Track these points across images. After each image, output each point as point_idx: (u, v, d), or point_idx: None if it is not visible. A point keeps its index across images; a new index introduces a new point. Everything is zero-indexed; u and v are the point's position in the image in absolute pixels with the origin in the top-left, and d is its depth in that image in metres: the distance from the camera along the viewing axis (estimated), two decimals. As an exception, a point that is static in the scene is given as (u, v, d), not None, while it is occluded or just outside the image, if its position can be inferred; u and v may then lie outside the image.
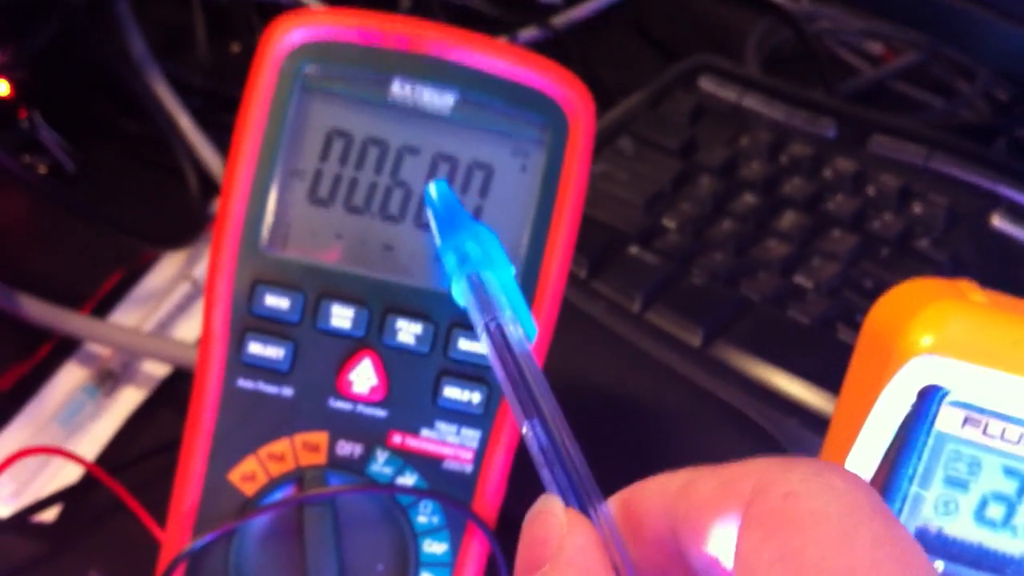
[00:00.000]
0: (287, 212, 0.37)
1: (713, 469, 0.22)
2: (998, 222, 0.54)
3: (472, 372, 0.37)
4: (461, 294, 0.32)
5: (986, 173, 0.56)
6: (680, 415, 0.50)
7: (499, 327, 0.29)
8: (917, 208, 0.55)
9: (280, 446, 0.37)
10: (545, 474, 0.25)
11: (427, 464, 0.37)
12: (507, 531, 0.39)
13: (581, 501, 0.24)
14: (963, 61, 0.71)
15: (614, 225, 0.55)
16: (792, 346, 0.50)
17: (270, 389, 0.37)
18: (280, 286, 0.37)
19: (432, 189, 0.35)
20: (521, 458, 0.38)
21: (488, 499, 0.38)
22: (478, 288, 0.31)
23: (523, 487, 0.39)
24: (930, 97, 0.71)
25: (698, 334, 0.51)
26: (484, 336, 0.30)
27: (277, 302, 0.37)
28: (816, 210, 0.56)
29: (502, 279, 0.32)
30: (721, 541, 0.22)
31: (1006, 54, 0.60)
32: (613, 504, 0.24)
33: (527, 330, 0.30)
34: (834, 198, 0.56)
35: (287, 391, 0.37)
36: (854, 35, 0.74)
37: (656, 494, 0.23)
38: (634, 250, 0.54)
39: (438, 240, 0.34)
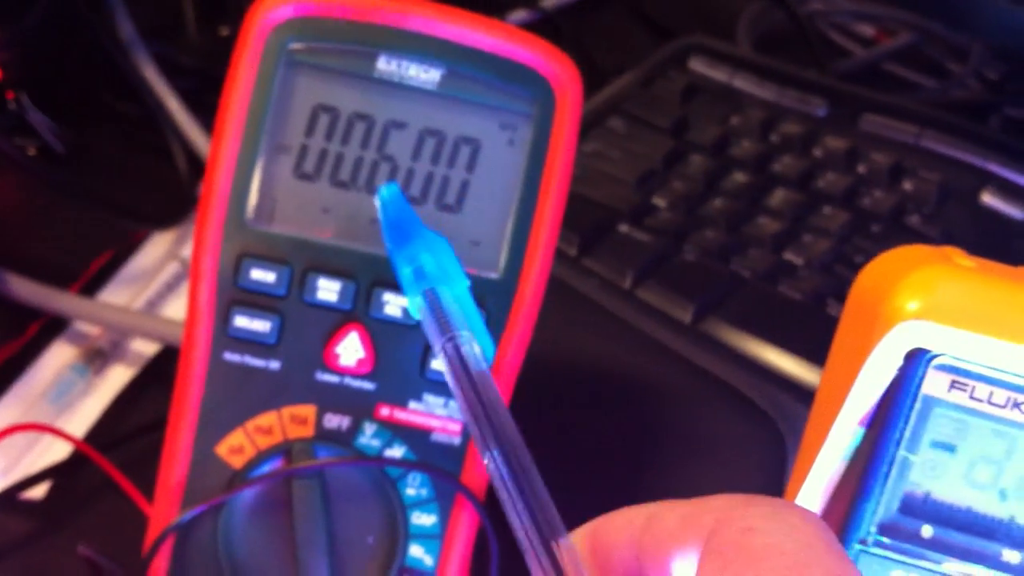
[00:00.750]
0: (273, 187, 0.37)
1: (677, 503, 0.23)
2: (989, 198, 0.54)
3: (460, 344, 0.37)
4: (417, 310, 0.31)
5: (977, 150, 0.56)
6: (672, 391, 0.50)
7: (456, 347, 0.29)
8: (908, 185, 0.55)
9: (268, 419, 0.37)
10: (507, 505, 0.25)
11: (415, 436, 0.37)
12: (496, 504, 0.39)
13: (543, 534, 0.24)
14: (955, 41, 0.70)
15: (605, 203, 0.55)
16: (783, 322, 0.50)
17: (257, 362, 0.37)
18: (266, 260, 0.36)
19: (383, 191, 0.34)
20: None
21: (477, 471, 0.38)
22: (435, 305, 0.30)
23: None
24: (922, 78, 0.70)
25: (689, 310, 0.51)
26: (441, 357, 0.29)
27: (263, 276, 0.36)
28: (807, 187, 0.55)
29: (457, 294, 0.31)
30: (683, 573, 0.22)
31: (997, 31, 0.60)
32: (581, 537, 0.25)
33: (485, 349, 0.29)
34: (825, 176, 0.56)
35: (274, 364, 0.37)
36: (846, 16, 0.74)
37: (622, 527, 0.24)
38: (625, 228, 0.54)
39: (388, 247, 0.33)
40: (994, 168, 0.55)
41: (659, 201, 0.55)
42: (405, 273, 0.32)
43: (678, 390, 0.50)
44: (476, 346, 0.29)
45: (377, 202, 0.34)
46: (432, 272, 0.31)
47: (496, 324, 0.37)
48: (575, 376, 0.52)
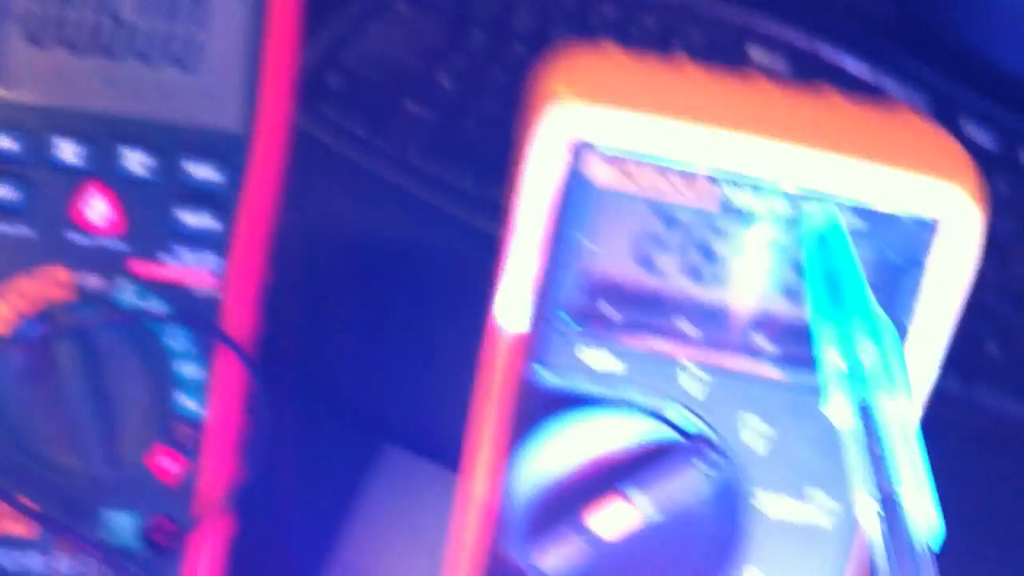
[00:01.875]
0: (5, 54, 0.38)
1: None
2: (756, 54, 0.57)
3: (205, 197, 0.39)
4: (838, 416, 0.24)
5: (740, 10, 0.59)
6: (462, 261, 0.52)
7: (894, 511, 0.22)
8: (678, 47, 0.57)
9: (25, 284, 0.38)
10: None
11: (172, 290, 0.39)
12: (264, 354, 0.41)
13: None
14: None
15: (392, 83, 0.56)
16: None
17: (6, 228, 0.38)
18: (5, 127, 0.37)
19: (821, 224, 0.26)
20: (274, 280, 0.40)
21: (238, 321, 0.40)
22: (871, 433, 0.23)
23: (281, 309, 0.41)
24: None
25: (474, 180, 0.53)
26: (863, 509, 0.22)
27: (3, 143, 0.37)
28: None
29: (899, 412, 0.24)
30: None
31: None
32: None
33: (927, 506, 0.22)
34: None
35: (23, 229, 0.38)
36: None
37: None
38: (413, 106, 0.56)
39: (812, 311, 0.26)
40: (758, 24, 0.58)
41: (442, 79, 0.57)
42: (834, 361, 0.25)
43: (468, 260, 0.52)
44: (922, 505, 0.22)
45: (805, 243, 0.26)
46: (873, 375, 0.24)
47: (237, 182, 0.39)
48: (368, 254, 0.54)
